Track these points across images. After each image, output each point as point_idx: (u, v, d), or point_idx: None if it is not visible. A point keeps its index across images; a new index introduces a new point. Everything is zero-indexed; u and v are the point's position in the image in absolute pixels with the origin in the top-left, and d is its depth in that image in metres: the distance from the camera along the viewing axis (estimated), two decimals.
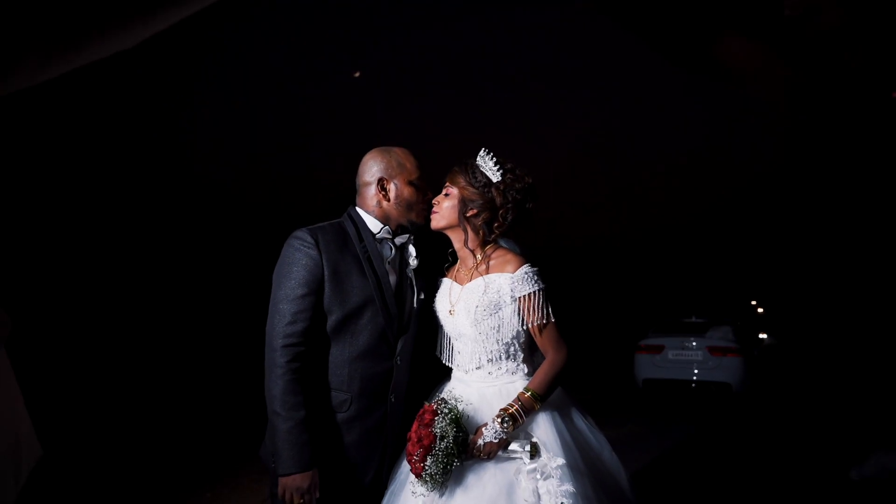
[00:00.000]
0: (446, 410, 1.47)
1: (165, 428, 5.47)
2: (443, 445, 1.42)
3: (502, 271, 1.57)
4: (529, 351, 1.61)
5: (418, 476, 1.44)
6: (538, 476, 1.44)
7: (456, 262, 1.70)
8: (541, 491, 1.42)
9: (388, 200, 1.67)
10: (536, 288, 1.54)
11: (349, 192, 1.73)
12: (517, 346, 1.58)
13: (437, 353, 1.70)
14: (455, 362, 1.65)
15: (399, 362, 1.64)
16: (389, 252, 1.67)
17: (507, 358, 1.58)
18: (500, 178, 1.61)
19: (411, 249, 1.71)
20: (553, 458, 1.44)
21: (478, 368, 1.59)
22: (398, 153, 1.71)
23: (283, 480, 1.49)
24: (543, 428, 1.50)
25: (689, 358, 7.48)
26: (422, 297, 1.70)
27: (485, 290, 1.56)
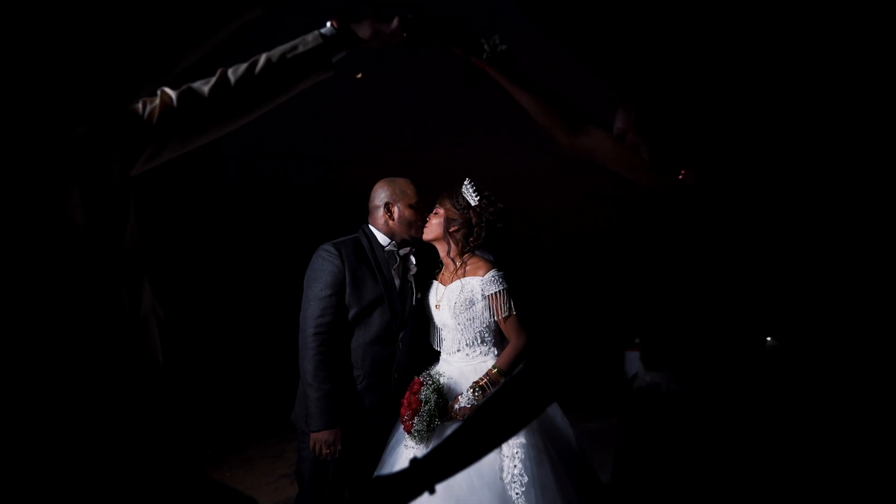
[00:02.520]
0: (430, 382, 1.94)
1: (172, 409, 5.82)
2: (426, 409, 1.89)
3: (475, 275, 2.01)
4: (499, 337, 2.05)
5: (408, 432, 1.92)
6: None
7: (442, 267, 2.15)
8: (502, 447, 1.86)
9: (393, 220, 2.15)
10: (501, 288, 1.98)
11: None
12: (488, 333, 2.03)
13: (430, 340, 2.16)
14: (442, 347, 2.12)
15: (401, 347, 2.12)
16: (395, 261, 2.15)
17: (481, 343, 2.03)
18: (477, 203, 2.05)
19: (412, 259, 2.18)
20: None
21: (458, 351, 2.05)
22: (401, 182, 2.18)
23: (314, 436, 2.01)
24: None
25: None
26: (419, 296, 2.17)
27: (461, 290, 2.01)
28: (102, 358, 0.81)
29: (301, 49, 1.18)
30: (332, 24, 1.20)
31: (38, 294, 0.74)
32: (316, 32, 1.20)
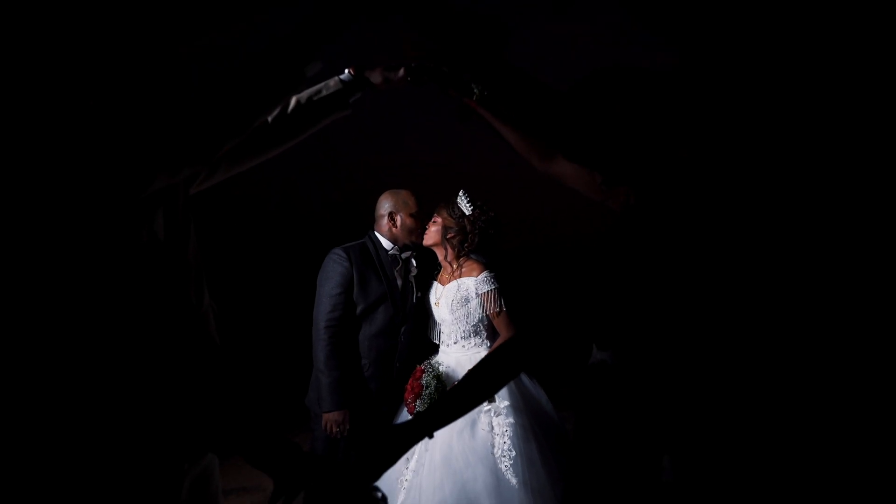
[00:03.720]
0: (431, 369, 2.20)
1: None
2: (427, 392, 2.15)
3: (470, 276, 2.28)
4: (491, 331, 2.32)
5: (411, 414, 2.18)
6: (492, 413, 2.15)
7: (441, 269, 2.42)
8: (493, 423, 2.14)
9: (396, 227, 2.42)
10: (493, 287, 2.25)
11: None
12: (481, 327, 2.29)
13: (429, 334, 2.43)
14: (441, 339, 2.38)
15: (402, 339, 2.38)
16: (398, 264, 2.42)
17: (475, 335, 2.30)
18: (471, 212, 2.32)
19: (413, 262, 2.45)
20: (502, 401, 2.15)
21: (455, 343, 2.31)
22: (403, 194, 2.45)
23: (325, 416, 2.27)
24: None
25: None
26: (419, 295, 2.43)
27: (457, 289, 2.28)
28: (181, 337, 1.08)
29: (325, 93, 1.44)
30: (349, 72, 1.47)
31: (137, 291, 1.00)
32: (336, 78, 1.46)
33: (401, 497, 2.16)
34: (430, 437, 1.09)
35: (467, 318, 2.29)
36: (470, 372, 1.13)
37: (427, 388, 2.16)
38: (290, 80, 1.00)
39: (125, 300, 0.98)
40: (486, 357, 1.16)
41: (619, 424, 1.12)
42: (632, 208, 1.22)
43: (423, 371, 2.22)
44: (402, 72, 1.46)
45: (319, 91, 1.45)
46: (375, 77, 1.48)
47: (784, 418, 1.12)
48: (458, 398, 1.12)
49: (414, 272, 2.45)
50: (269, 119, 1.41)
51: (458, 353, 2.30)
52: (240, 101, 0.95)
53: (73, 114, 0.83)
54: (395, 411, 2.34)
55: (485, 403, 2.16)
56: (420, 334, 2.43)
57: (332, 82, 1.46)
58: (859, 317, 1.20)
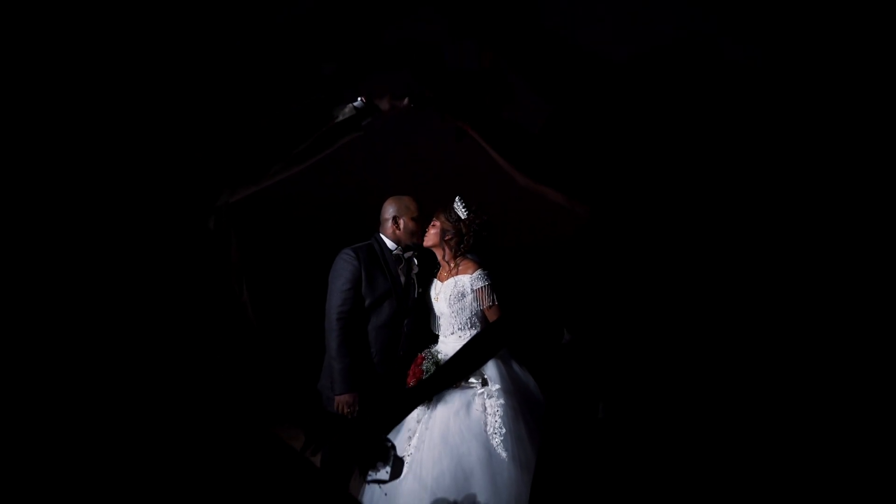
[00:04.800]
0: (430, 357, 2.48)
1: None
2: (427, 377, 2.42)
3: (466, 273, 2.56)
4: (485, 323, 2.58)
5: None
6: (485, 396, 2.42)
7: (440, 268, 2.69)
8: (486, 404, 2.41)
9: (399, 230, 2.69)
10: (486, 283, 2.52)
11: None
12: (476, 319, 2.56)
13: (430, 326, 2.70)
14: (439, 330, 2.65)
15: (405, 331, 2.66)
16: (401, 262, 2.69)
17: (471, 327, 2.57)
18: (466, 216, 2.59)
19: (414, 261, 2.72)
20: (493, 385, 2.42)
21: (452, 334, 2.58)
22: (406, 200, 2.73)
23: (337, 398, 2.54)
24: (490, 368, 2.48)
25: None
26: (420, 291, 2.71)
27: (455, 286, 2.56)
28: (230, 318, 1.35)
29: (341, 118, 1.71)
30: (361, 100, 1.74)
31: (200, 284, 1.28)
32: (351, 105, 1.73)
33: (404, 470, 2.43)
34: (430, 401, 1.35)
35: (463, 311, 2.56)
36: (460, 349, 1.40)
37: (427, 373, 2.43)
38: (324, 117, 1.28)
39: (192, 290, 1.25)
40: (473, 338, 1.43)
41: (582, 389, 1.39)
42: (591, 219, 1.50)
43: (423, 358, 2.49)
44: (406, 101, 1.74)
45: (337, 117, 1.72)
46: (384, 104, 1.75)
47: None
48: (450, 370, 1.39)
49: (415, 270, 2.73)
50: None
51: (455, 343, 2.57)
52: (285, 134, 1.22)
53: (169, 141, 1.10)
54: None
55: (478, 387, 2.44)
56: (421, 326, 2.70)
57: (347, 109, 1.73)
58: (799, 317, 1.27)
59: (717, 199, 1.34)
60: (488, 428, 2.38)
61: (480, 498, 2.30)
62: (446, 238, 2.60)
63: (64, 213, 1.08)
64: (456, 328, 2.58)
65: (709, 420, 1.24)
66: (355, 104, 1.77)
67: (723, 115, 1.22)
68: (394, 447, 1.30)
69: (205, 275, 1.31)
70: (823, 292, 1.25)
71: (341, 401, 2.53)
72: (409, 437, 2.47)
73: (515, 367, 2.56)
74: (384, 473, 1.23)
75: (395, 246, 2.70)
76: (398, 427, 2.51)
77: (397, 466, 1.27)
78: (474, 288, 2.54)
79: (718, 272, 1.33)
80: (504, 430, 2.37)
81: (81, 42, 1.11)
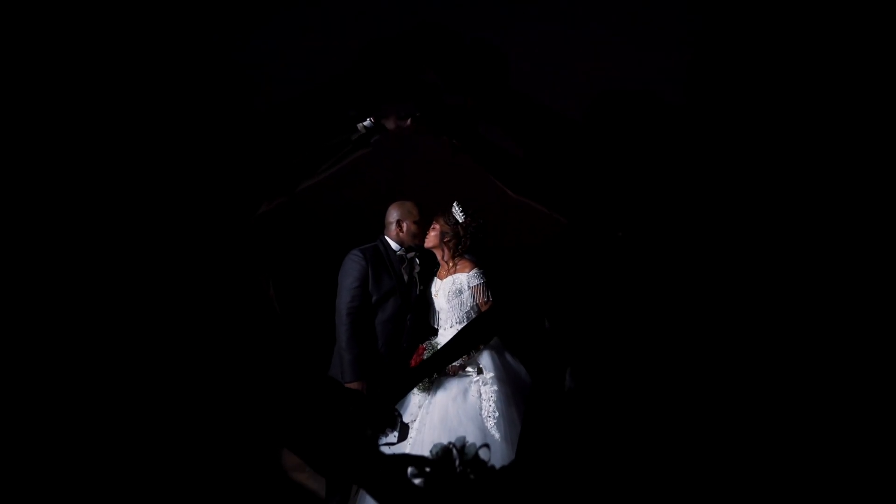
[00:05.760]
0: (430, 347, 2.73)
1: None
2: (427, 357, 2.68)
3: (463, 272, 2.81)
4: None
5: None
6: (481, 384, 2.68)
7: (440, 267, 2.95)
8: (481, 391, 2.66)
9: (403, 233, 2.95)
10: (481, 281, 2.78)
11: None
12: (473, 314, 2.82)
13: (430, 321, 2.96)
14: (439, 324, 2.91)
15: (408, 324, 2.91)
16: (404, 262, 2.95)
17: (468, 321, 2.82)
18: (463, 220, 2.84)
19: (416, 261, 2.98)
20: (488, 373, 2.67)
21: (451, 327, 2.84)
22: (408, 205, 2.98)
23: (347, 386, 2.79)
24: (485, 358, 2.73)
25: None
26: (421, 288, 2.97)
27: (453, 283, 2.81)
28: (263, 308, 1.60)
29: (353, 136, 1.97)
30: (371, 120, 2.00)
31: (237, 283, 1.53)
32: (362, 125, 1.99)
33: (406, 450, 2.69)
34: (431, 389, 1.59)
35: (461, 306, 2.82)
36: (456, 334, 1.66)
37: None
38: (344, 139, 1.54)
39: (231, 289, 1.50)
40: (466, 325, 1.68)
41: (559, 368, 1.65)
42: (567, 226, 1.75)
43: (424, 349, 2.75)
44: (410, 122, 1.99)
45: (352, 137, 1.98)
46: (390, 124, 2.00)
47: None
48: (447, 351, 1.64)
49: (417, 269, 2.98)
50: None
51: (452, 335, 2.83)
52: (313, 155, 1.48)
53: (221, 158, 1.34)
54: None
55: (474, 375, 2.69)
56: (422, 320, 2.97)
57: (359, 128, 1.99)
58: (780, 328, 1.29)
59: (678, 199, 1.45)
60: (483, 412, 2.64)
61: None
62: (445, 240, 2.86)
63: (127, 213, 1.13)
64: (454, 322, 2.84)
65: (678, 402, 1.31)
66: (366, 124, 2.02)
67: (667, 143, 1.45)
68: (400, 414, 1.55)
69: (241, 273, 1.56)
70: (782, 291, 1.31)
71: (351, 388, 2.79)
72: (412, 421, 2.72)
73: (508, 357, 2.82)
74: (392, 437, 1.48)
75: (399, 247, 2.96)
76: (402, 410, 2.77)
77: (404, 430, 1.51)
78: (471, 285, 2.79)
79: (683, 266, 1.52)
80: (497, 414, 2.62)
81: (139, 53, 1.26)
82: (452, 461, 1.05)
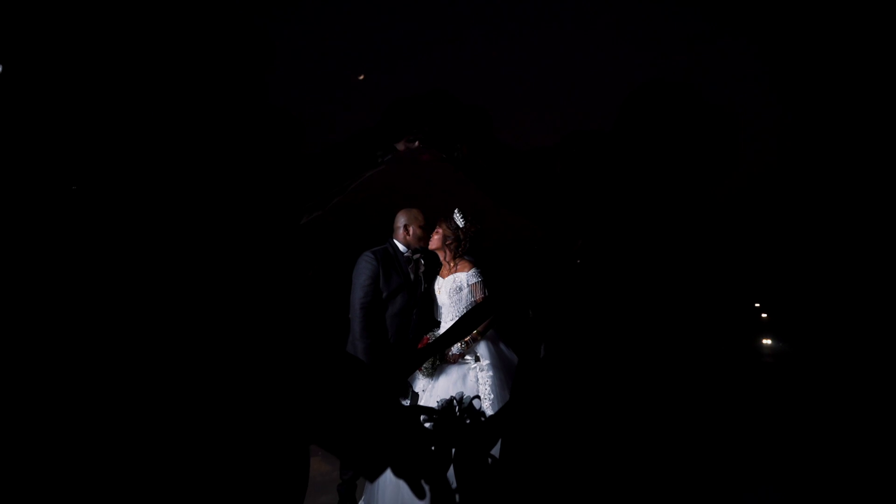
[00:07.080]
0: (434, 338, 3.09)
1: None
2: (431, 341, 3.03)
3: (463, 271, 3.17)
4: None
5: (420, 371, 3.06)
6: (478, 370, 3.04)
7: (442, 267, 3.31)
8: (478, 377, 3.02)
9: (409, 236, 3.31)
10: (479, 279, 3.13)
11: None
12: None
13: (434, 315, 3.32)
14: (441, 318, 3.27)
15: (414, 318, 3.27)
16: (410, 262, 3.31)
17: None
18: (463, 225, 3.20)
19: (422, 261, 3.34)
20: (485, 361, 3.03)
21: (451, 320, 3.19)
22: (415, 211, 3.34)
23: None
24: (482, 348, 3.09)
25: None
26: (426, 286, 3.33)
27: (453, 281, 3.17)
28: (293, 304, 1.95)
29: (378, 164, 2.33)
30: (391, 155, 2.35)
31: (281, 286, 1.89)
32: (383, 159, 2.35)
33: None
34: (433, 375, 1.93)
35: (461, 302, 3.18)
36: (454, 323, 2.01)
37: None
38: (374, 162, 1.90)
39: (277, 289, 1.86)
40: (462, 315, 2.04)
41: (543, 357, 2.00)
42: (546, 233, 2.11)
43: (428, 339, 3.10)
44: (417, 143, 2.36)
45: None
46: (400, 146, 2.37)
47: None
48: (448, 336, 2.00)
49: (422, 269, 3.34)
50: None
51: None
52: (348, 175, 1.84)
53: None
54: None
55: (472, 363, 3.05)
56: (426, 314, 3.32)
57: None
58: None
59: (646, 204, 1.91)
60: (480, 395, 2.99)
61: None
62: (447, 242, 3.22)
63: (187, 213, 1.35)
64: (455, 315, 3.20)
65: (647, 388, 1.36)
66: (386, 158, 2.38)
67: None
68: (411, 386, 1.90)
69: (289, 271, 1.92)
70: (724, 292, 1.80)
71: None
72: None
73: (503, 347, 3.17)
74: (405, 404, 1.84)
75: (406, 249, 3.31)
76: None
77: (414, 398, 1.87)
78: (469, 283, 3.15)
79: (652, 262, 1.87)
80: (493, 396, 2.98)
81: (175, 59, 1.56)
82: (454, 409, 1.41)
